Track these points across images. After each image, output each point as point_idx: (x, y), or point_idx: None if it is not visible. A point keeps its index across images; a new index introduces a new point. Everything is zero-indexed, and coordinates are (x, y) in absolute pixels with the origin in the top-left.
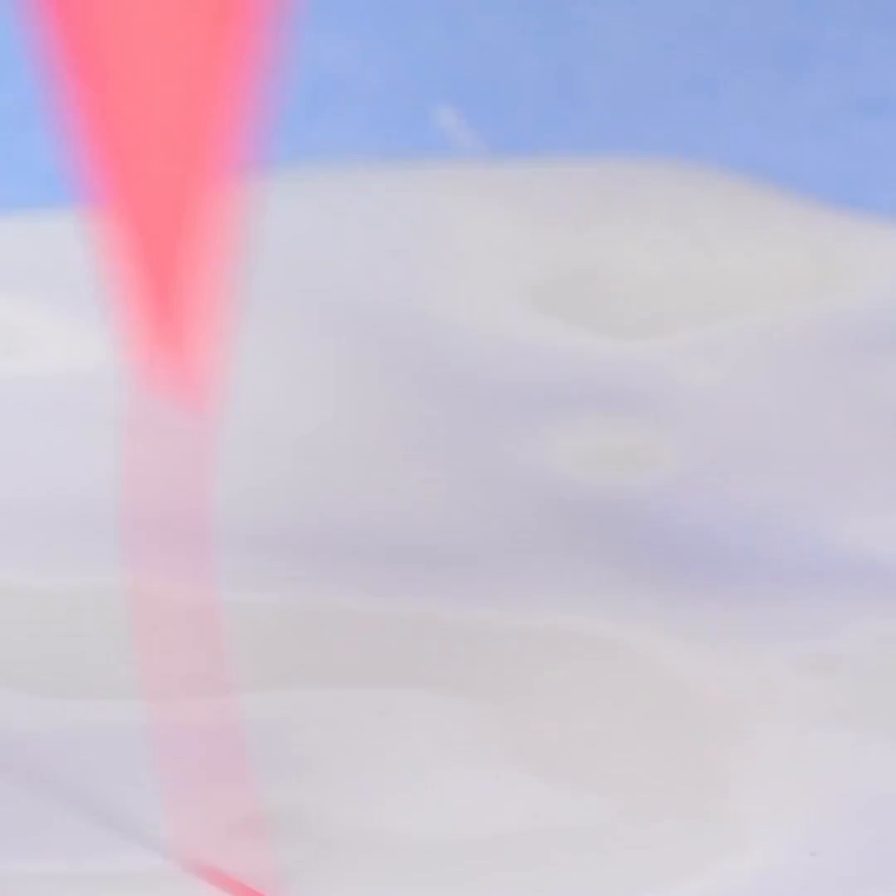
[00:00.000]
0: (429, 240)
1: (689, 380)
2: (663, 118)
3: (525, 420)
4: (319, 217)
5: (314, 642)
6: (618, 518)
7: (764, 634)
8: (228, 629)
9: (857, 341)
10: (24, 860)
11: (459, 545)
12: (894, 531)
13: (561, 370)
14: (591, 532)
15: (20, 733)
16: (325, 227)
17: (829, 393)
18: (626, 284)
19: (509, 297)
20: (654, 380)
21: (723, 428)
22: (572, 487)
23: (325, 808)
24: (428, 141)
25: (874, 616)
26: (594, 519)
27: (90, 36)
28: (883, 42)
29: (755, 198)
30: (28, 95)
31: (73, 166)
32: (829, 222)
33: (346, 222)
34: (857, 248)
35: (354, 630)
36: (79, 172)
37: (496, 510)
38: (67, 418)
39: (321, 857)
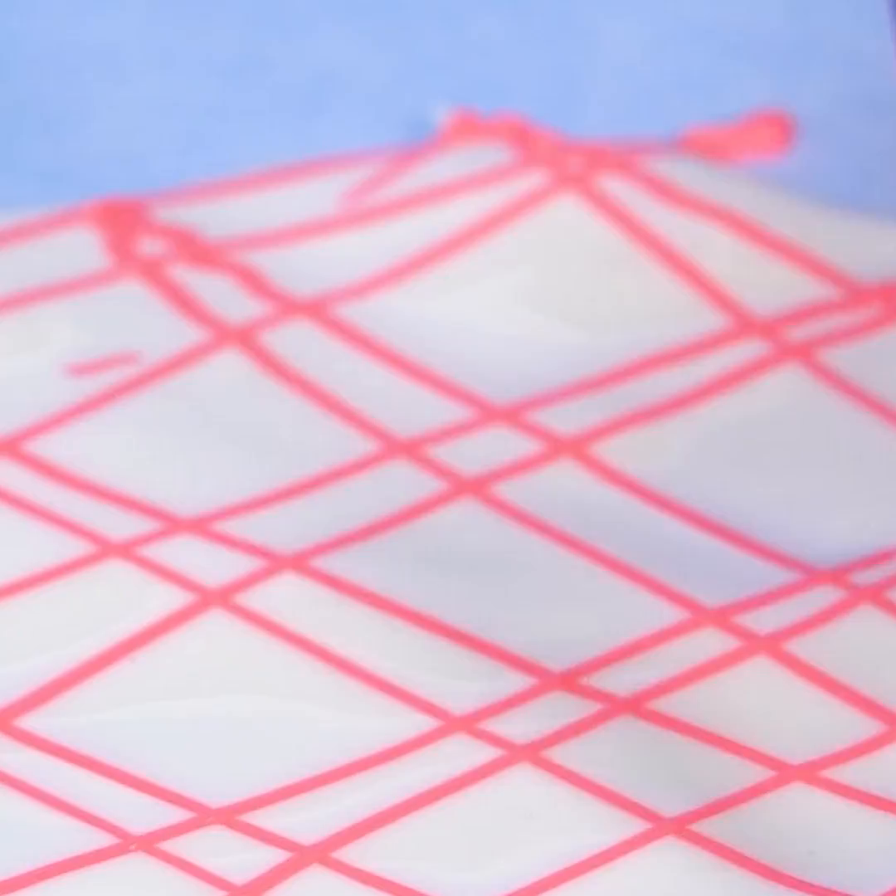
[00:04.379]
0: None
1: (686, 378)
2: (662, 117)
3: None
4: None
5: None
6: (615, 513)
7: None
8: None
9: (855, 340)
10: None
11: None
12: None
13: (556, 364)
14: (587, 528)
15: None
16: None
17: (824, 392)
18: (620, 281)
19: (507, 293)
20: (651, 377)
21: (718, 427)
22: (571, 484)
23: None
24: (427, 140)
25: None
26: (591, 516)
27: None
28: (883, 42)
29: (755, 197)
30: (28, 95)
31: None
32: (829, 222)
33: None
34: (857, 249)
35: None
36: None
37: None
38: (72, 415)
39: None
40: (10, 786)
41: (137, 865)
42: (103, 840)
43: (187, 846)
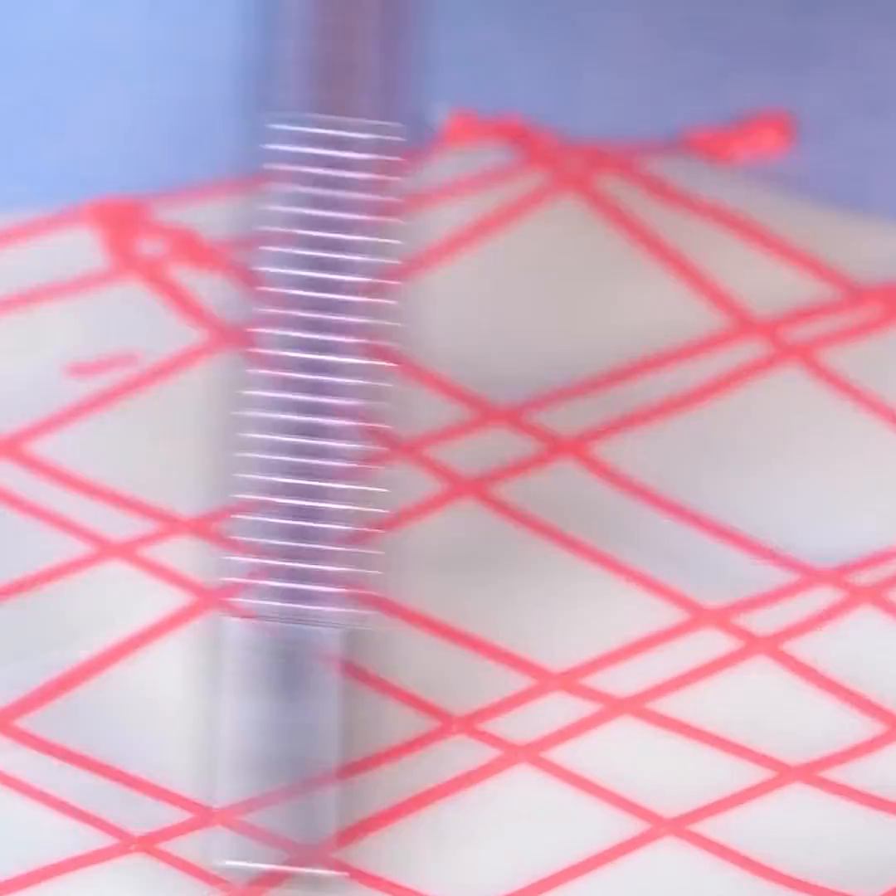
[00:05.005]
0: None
1: (686, 378)
2: (662, 117)
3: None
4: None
5: None
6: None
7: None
8: None
9: (855, 340)
10: None
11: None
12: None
13: (556, 364)
14: (587, 528)
15: None
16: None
17: (824, 392)
18: (620, 281)
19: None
20: (651, 377)
21: (718, 427)
22: (571, 484)
23: None
24: (427, 140)
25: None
26: (591, 516)
27: None
28: (883, 42)
29: (755, 197)
30: (28, 95)
31: None
32: (829, 222)
33: None
34: (857, 249)
35: None
36: None
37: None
38: (72, 415)
39: None
40: (10, 786)
41: (137, 865)
42: (103, 840)
43: (187, 846)
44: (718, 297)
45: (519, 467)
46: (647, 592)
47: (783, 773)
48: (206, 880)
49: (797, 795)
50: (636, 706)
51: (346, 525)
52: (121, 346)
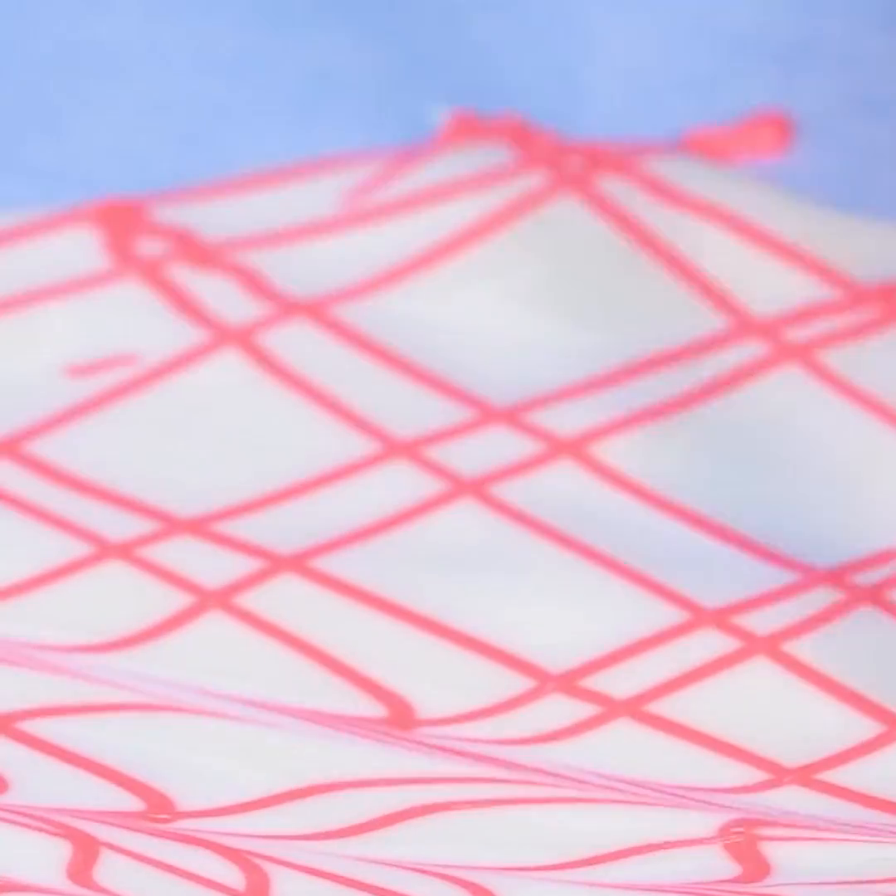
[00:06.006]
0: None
1: (686, 378)
2: (662, 117)
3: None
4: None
5: None
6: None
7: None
8: None
9: (855, 340)
10: None
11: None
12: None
13: (556, 364)
14: (587, 528)
15: None
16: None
17: (824, 392)
18: (620, 281)
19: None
20: (651, 377)
21: (718, 427)
22: (571, 484)
23: None
24: (427, 140)
25: None
26: (591, 516)
27: None
28: (883, 42)
29: (755, 197)
30: (28, 95)
31: None
32: (829, 222)
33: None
34: (857, 249)
35: None
36: None
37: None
38: (72, 415)
39: None
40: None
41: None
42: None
43: (187, 853)
44: (718, 298)
45: (519, 467)
46: (647, 592)
47: (782, 773)
48: (206, 884)
49: (796, 795)
50: (635, 707)
51: None
52: (121, 346)
